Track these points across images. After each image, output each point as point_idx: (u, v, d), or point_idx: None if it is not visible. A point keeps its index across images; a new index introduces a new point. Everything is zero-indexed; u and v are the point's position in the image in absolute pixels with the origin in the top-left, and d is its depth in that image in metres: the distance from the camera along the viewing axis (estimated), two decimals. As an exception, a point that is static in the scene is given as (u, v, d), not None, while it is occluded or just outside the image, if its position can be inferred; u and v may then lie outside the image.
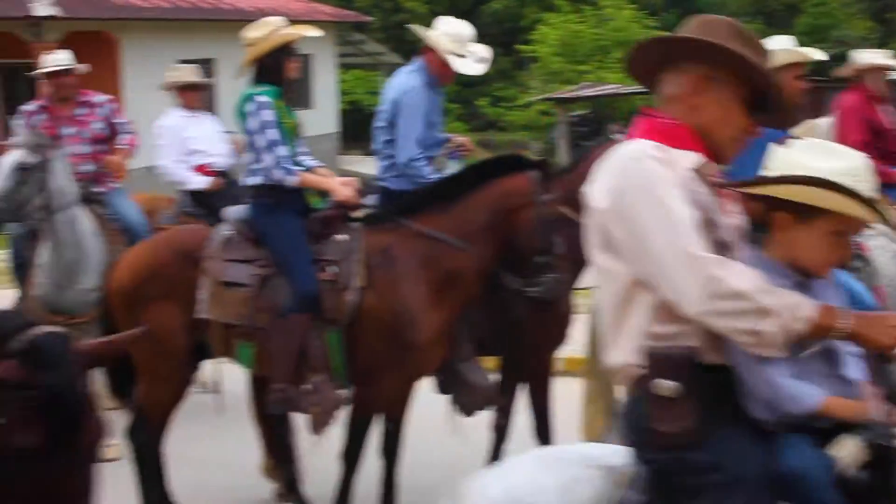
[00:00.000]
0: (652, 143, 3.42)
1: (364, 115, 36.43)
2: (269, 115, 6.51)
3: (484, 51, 7.60)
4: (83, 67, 8.99)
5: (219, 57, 26.93)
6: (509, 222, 6.40)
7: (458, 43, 7.44)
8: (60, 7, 22.54)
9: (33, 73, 9.08)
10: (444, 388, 6.85)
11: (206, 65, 27.07)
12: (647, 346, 3.35)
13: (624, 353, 3.42)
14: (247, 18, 27.81)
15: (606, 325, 3.51)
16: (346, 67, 37.27)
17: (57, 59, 8.91)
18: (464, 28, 7.54)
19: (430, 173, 7.38)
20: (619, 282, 3.41)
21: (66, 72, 8.84)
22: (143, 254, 6.87)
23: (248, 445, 7.64)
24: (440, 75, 7.51)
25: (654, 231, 3.28)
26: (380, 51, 38.26)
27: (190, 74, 10.07)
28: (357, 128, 33.71)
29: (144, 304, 6.55)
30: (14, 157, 8.00)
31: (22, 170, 7.92)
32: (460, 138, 7.83)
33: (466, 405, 6.78)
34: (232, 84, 27.91)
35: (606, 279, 3.47)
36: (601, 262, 3.47)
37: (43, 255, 8.18)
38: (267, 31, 6.59)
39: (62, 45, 22.63)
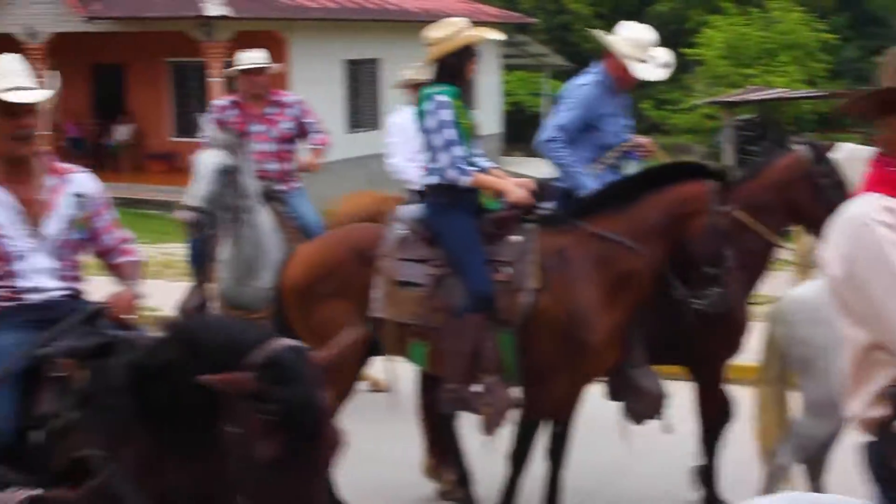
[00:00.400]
0: (881, 202, 3.27)
1: (526, 116, 36.45)
2: (447, 114, 6.50)
3: (666, 55, 7.48)
4: (277, 67, 9.20)
5: (384, 57, 27.16)
6: (683, 228, 6.32)
7: (638, 48, 7.34)
8: (231, 7, 22.95)
9: (228, 70, 9.24)
10: (614, 394, 6.75)
11: (371, 65, 27.37)
12: (889, 389, 3.24)
13: (864, 406, 3.32)
14: (412, 19, 28.09)
15: (846, 381, 3.41)
16: (509, 69, 37.26)
17: (253, 58, 9.09)
18: (645, 33, 7.44)
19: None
20: (858, 347, 3.33)
21: (260, 70, 9.03)
22: (317, 251, 6.93)
23: (413, 443, 7.64)
24: (620, 80, 7.43)
25: (890, 305, 3.20)
26: (543, 52, 38.19)
27: (427, 72, 10.01)
28: (519, 129, 33.68)
29: (317, 301, 6.61)
30: (213, 158, 8.07)
31: (225, 172, 8.00)
32: (641, 138, 7.72)
33: (637, 412, 6.68)
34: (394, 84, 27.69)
35: (846, 343, 3.39)
36: (841, 327, 3.38)
37: (224, 250, 8.30)
38: (451, 31, 6.58)
39: (231, 44, 23.10)
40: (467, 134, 6.64)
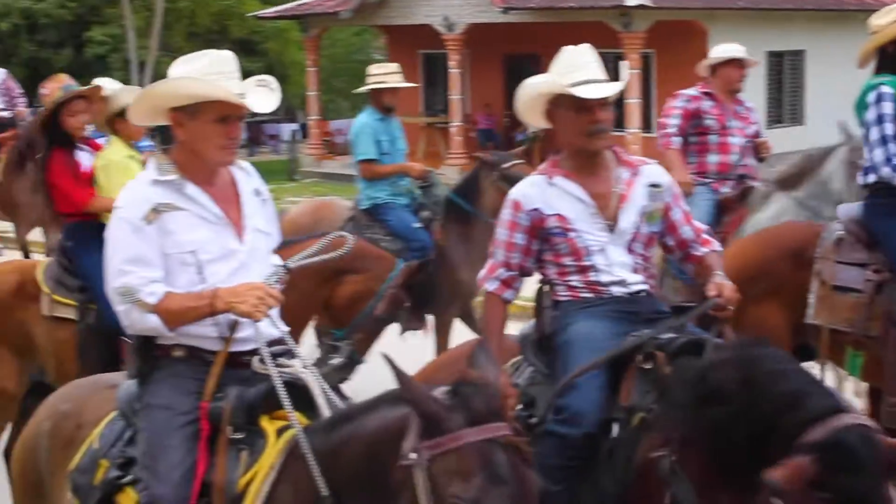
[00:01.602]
0: None
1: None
2: (888, 107, 6.21)
3: None
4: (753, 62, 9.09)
5: (809, 49, 26.20)
6: None
7: None
8: (651, -4, 22.72)
9: (705, 61, 9.02)
10: None
11: (796, 57, 26.43)
12: None
13: None
14: (843, 8, 26.52)
15: None
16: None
17: (735, 49, 8.93)
18: None
19: None
20: None
21: (743, 63, 8.92)
22: (751, 248, 6.83)
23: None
24: None
25: None
26: None
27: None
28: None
29: (748, 300, 6.38)
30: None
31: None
32: None
33: None
34: (821, 79, 26.70)
35: None
36: None
37: None
38: (893, 17, 6.08)
39: (649, 35, 22.83)
40: None
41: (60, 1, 33.72)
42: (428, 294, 9.26)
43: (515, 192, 4.87)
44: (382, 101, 9.52)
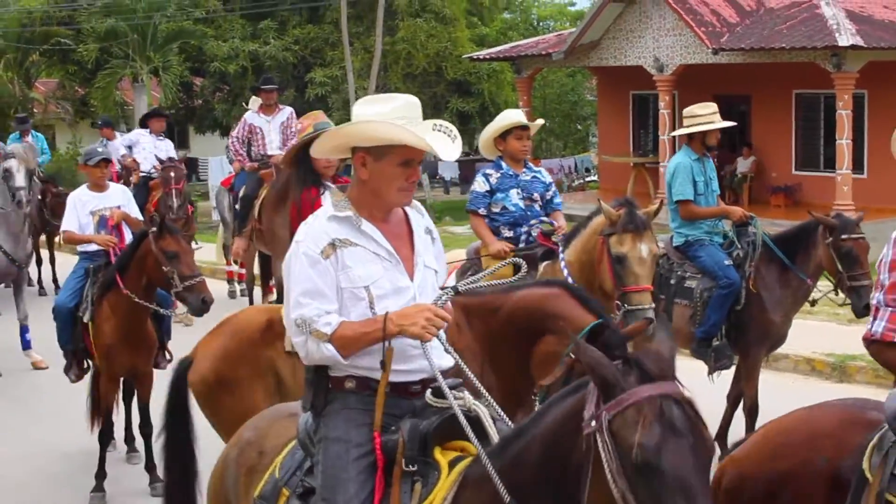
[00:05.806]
0: None
1: None
2: None
3: None
4: None
5: None
6: None
7: None
8: (862, 37, 22.16)
9: None
10: None
11: None
12: None
13: None
14: None
15: None
16: None
17: None
18: None
19: None
20: None
21: None
22: None
23: None
24: None
25: None
26: None
27: None
28: None
29: None
30: None
31: None
32: None
33: None
34: None
35: None
36: None
37: None
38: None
39: (861, 75, 22.28)
40: None
41: (285, 44, 34.61)
42: (737, 334, 9.29)
43: None
44: (704, 142, 9.64)
